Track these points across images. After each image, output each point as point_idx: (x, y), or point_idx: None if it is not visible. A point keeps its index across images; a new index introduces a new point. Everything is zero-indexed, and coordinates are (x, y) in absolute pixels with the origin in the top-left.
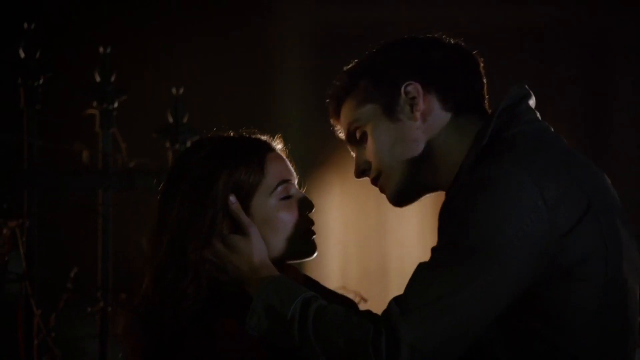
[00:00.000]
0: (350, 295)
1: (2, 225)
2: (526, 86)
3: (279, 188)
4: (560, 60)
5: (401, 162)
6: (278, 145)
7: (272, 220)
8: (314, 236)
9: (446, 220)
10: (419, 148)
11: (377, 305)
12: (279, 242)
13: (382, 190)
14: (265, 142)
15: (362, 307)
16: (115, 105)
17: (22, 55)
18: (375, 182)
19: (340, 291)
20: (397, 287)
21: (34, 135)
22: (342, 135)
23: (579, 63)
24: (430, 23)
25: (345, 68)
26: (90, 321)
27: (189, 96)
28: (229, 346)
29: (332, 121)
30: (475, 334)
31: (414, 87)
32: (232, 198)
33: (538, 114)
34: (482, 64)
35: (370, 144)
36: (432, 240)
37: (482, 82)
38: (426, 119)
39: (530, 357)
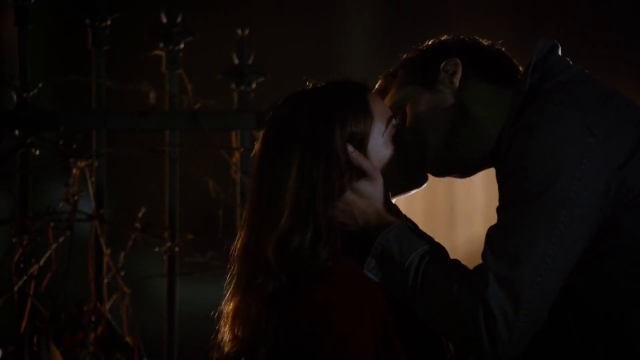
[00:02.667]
0: None
1: (71, 165)
2: (550, 38)
3: (389, 127)
4: None
5: (439, 128)
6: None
7: (389, 159)
8: (424, 166)
9: (503, 177)
10: (457, 114)
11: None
12: (395, 178)
13: (425, 160)
14: (362, 84)
15: None
16: (182, 46)
17: None
18: None
19: None
20: (463, 227)
21: (101, 76)
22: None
23: None
24: None
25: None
26: (159, 260)
27: (255, 37)
28: (345, 282)
29: None
30: (559, 285)
31: (453, 62)
32: (350, 148)
33: (569, 61)
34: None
35: (409, 119)
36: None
37: (518, 68)
38: (465, 87)
39: (618, 296)
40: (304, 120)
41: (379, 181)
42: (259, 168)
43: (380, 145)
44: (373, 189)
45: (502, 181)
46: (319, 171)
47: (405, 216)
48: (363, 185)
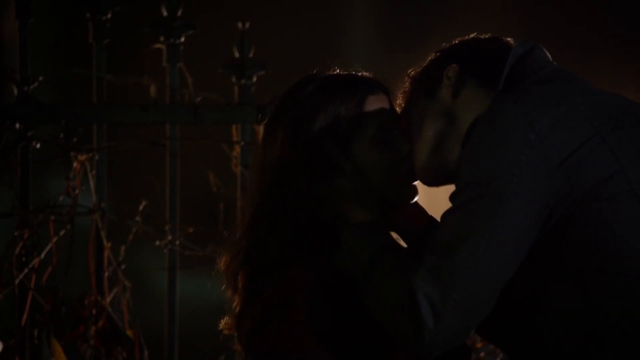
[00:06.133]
0: None
1: (72, 159)
2: (528, 41)
3: (378, 132)
4: None
5: (429, 134)
6: (383, 83)
7: (370, 165)
8: (414, 181)
9: (457, 169)
10: (447, 124)
11: None
12: (378, 186)
13: (412, 170)
14: (368, 81)
15: None
16: (182, 40)
17: None
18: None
19: None
20: None
21: (102, 69)
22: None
23: None
24: None
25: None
26: (159, 254)
27: (255, 31)
28: (305, 296)
29: None
30: (498, 280)
31: (451, 69)
32: (329, 141)
33: (549, 58)
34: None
35: (409, 124)
36: None
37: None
38: (460, 94)
39: (587, 293)
40: (297, 101)
41: (353, 179)
42: (260, 144)
43: (364, 148)
44: (345, 185)
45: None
46: (293, 153)
47: (430, 217)
48: (336, 179)
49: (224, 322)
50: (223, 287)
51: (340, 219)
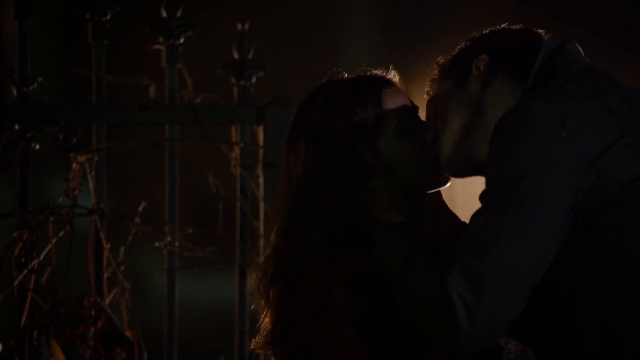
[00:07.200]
0: None
1: (71, 159)
2: (557, 36)
3: (401, 124)
4: None
5: (456, 124)
6: (394, 77)
7: (400, 157)
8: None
9: (487, 166)
10: (478, 113)
11: None
12: (409, 176)
13: (438, 158)
14: (379, 78)
15: None
16: (182, 40)
17: None
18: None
19: None
20: (463, 218)
21: (101, 70)
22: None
23: None
24: None
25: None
26: (159, 255)
27: (255, 31)
28: (341, 289)
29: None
30: (529, 279)
31: (481, 60)
32: (356, 143)
33: (581, 53)
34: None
35: (437, 114)
36: None
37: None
38: (489, 85)
39: (606, 293)
40: (314, 110)
41: (383, 177)
42: (283, 157)
43: (389, 143)
44: (376, 185)
45: (486, 168)
46: (320, 161)
47: (452, 214)
48: (367, 179)
49: (254, 342)
50: (218, 288)
51: (373, 220)
